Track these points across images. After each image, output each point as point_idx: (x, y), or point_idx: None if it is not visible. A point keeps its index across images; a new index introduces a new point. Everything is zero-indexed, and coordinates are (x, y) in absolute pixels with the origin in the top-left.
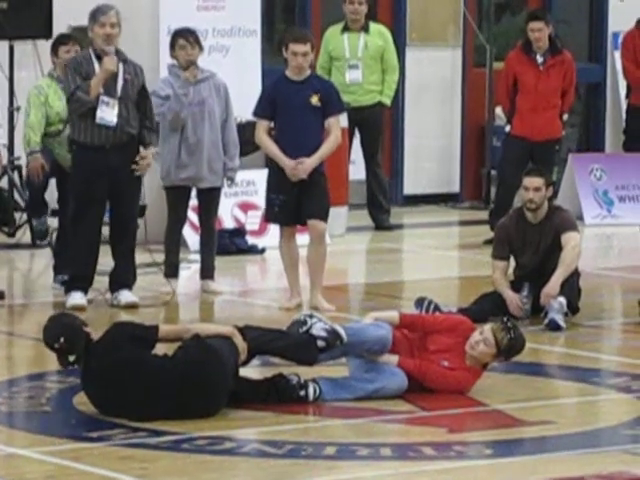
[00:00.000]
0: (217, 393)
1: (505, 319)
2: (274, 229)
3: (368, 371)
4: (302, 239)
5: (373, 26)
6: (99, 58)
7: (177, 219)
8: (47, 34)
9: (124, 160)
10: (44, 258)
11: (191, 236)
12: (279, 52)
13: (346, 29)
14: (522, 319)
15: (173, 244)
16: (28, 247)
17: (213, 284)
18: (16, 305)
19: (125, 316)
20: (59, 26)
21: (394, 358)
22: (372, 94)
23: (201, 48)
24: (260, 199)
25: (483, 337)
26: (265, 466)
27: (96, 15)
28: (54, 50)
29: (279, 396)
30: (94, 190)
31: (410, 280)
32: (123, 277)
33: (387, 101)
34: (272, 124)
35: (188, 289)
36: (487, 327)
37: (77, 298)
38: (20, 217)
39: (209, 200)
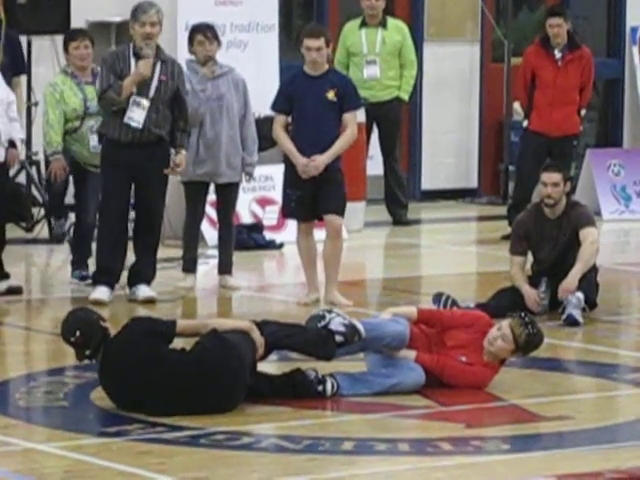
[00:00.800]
0: (234, 388)
1: (523, 314)
2: (292, 224)
3: (386, 366)
4: (320, 234)
5: (391, 21)
6: (137, 56)
7: (195, 214)
8: (65, 29)
9: (150, 158)
10: (62, 253)
11: (209, 231)
12: (297, 47)
13: (364, 24)
14: (540, 314)
15: (191, 239)
16: (46, 242)
17: (231, 279)
18: (34, 300)
19: (143, 311)
20: (77, 21)
21: (412, 353)
22: (390, 89)
23: (219, 43)
24: (278, 194)
25: (501, 333)
26: (283, 461)
27: (137, 13)
28: (65, 46)
29: (297, 391)
30: (119, 185)
31: (428, 275)
32: (143, 272)
33: (405, 96)
34: (290, 119)
35: (206, 284)
36: (505, 323)
37: (99, 293)
38: (38, 212)
39: (227, 195)
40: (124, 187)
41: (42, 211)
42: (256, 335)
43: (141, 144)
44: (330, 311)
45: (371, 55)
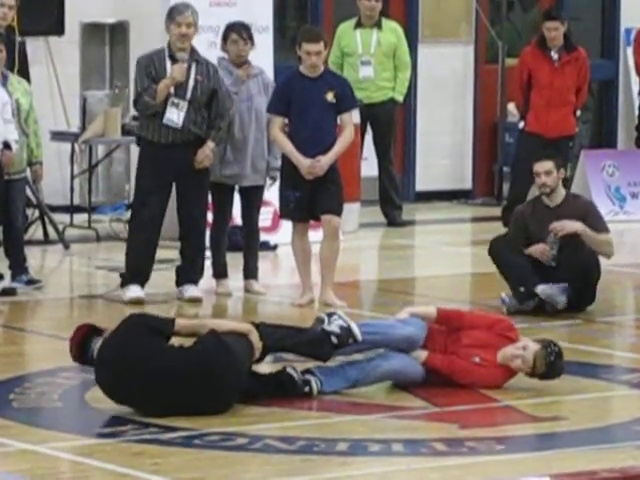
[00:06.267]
0: (230, 390)
1: (552, 344)
2: (286, 225)
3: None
4: (314, 236)
5: (386, 22)
6: (172, 58)
7: (222, 218)
8: (59, 30)
9: (190, 158)
10: (57, 254)
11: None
12: (291, 48)
13: (359, 25)
14: (549, 264)
15: (220, 244)
16: (40, 243)
17: (256, 284)
18: (29, 301)
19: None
20: (71, 23)
21: (423, 354)
22: (384, 90)
23: (253, 44)
24: (272, 196)
25: (522, 354)
26: (277, 462)
27: (172, 14)
28: None
29: (286, 392)
30: (157, 186)
31: (422, 276)
32: (189, 272)
33: (399, 98)
34: (286, 120)
35: (201, 285)
36: (531, 348)
37: (134, 291)
38: (32, 213)
39: (251, 198)
40: (163, 189)
41: (36, 212)
42: (254, 338)
43: (181, 144)
44: (333, 313)
45: (366, 56)
